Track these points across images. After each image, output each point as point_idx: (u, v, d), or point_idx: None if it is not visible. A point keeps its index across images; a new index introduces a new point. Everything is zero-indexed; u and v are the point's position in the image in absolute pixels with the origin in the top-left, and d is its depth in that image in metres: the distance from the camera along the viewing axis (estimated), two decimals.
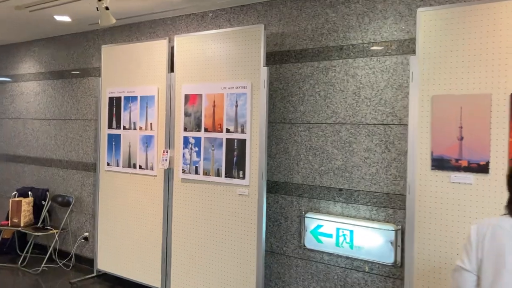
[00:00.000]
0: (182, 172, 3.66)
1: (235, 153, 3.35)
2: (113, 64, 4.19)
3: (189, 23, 4.03)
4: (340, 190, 3.21)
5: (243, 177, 3.31)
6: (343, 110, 3.20)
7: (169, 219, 3.75)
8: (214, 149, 3.47)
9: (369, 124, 3.10)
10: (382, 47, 3.06)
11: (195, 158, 3.58)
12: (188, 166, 3.62)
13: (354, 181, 3.16)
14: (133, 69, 4.03)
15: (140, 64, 3.99)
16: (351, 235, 3.10)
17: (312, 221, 3.27)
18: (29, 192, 5.06)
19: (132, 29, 4.48)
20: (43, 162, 5.33)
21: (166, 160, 3.73)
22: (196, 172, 3.57)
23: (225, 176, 3.41)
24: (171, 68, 3.86)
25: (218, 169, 3.45)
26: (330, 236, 3.19)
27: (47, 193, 5.13)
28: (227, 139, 3.40)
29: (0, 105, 5.91)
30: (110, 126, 4.19)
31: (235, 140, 3.35)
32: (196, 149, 3.58)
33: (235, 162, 3.35)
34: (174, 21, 4.15)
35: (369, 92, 3.10)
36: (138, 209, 3.96)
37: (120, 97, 4.12)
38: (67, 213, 4.85)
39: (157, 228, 3.82)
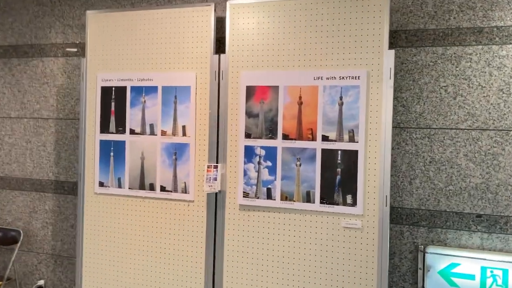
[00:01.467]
0: (243, 197, 2.55)
1: (339, 169, 2.38)
2: (109, 39, 2.86)
3: None
4: (479, 216, 2.44)
5: (353, 204, 2.36)
6: (484, 111, 2.43)
7: (217, 268, 2.61)
8: (300, 164, 2.45)
9: None
10: None
11: (266, 176, 2.51)
12: (254, 188, 2.53)
13: (501, 205, 2.41)
14: (147, 47, 2.78)
15: (160, 40, 2.75)
16: (505, 276, 2.35)
17: (440, 258, 2.45)
18: None
19: None
20: None
21: (215, 179, 2.58)
22: (269, 197, 2.50)
23: (322, 202, 2.41)
24: (219, 48, 2.72)
25: (307, 192, 2.44)
26: (471, 277, 2.40)
27: None
28: (324, 150, 2.41)
29: None
30: (104, 129, 2.86)
31: (339, 152, 2.38)
32: (269, 163, 2.51)
33: (338, 183, 2.38)
34: None
35: None
36: (157, 252, 2.74)
37: (123, 88, 2.82)
38: (14, 255, 3.32)
39: (195, 283, 2.65)
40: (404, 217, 2.56)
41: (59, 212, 3.36)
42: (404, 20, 2.57)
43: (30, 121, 3.44)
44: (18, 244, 3.32)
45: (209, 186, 2.59)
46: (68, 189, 3.33)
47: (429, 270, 2.49)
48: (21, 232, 3.35)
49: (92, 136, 2.90)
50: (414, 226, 2.57)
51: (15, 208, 3.49)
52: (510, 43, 2.40)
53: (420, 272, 2.54)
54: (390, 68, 2.31)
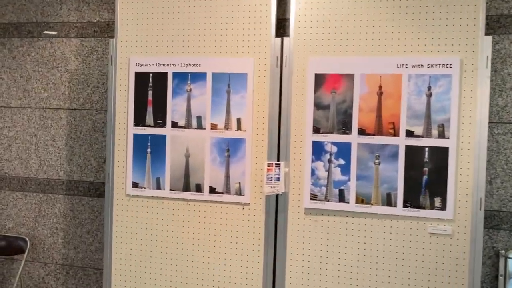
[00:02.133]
0: (311, 199, 2.26)
1: (426, 169, 2.12)
2: (145, 17, 2.48)
3: None
4: None
5: (442, 207, 2.11)
6: None
7: (278, 281, 2.31)
8: (379, 163, 2.17)
9: None
10: None
11: (339, 176, 2.22)
12: (324, 189, 2.24)
13: None
14: (194, 27, 2.41)
15: (210, 19, 2.40)
16: None
17: None
18: None
19: None
20: None
21: (277, 179, 2.27)
22: (342, 199, 2.22)
23: (405, 206, 2.15)
24: (281, 30, 2.40)
25: (388, 195, 2.17)
26: None
27: None
28: (408, 147, 2.15)
29: None
30: (139, 122, 2.48)
31: (426, 149, 2.13)
32: (341, 162, 2.22)
33: (425, 184, 2.13)
34: None
35: None
36: (204, 263, 2.40)
37: (163, 74, 2.45)
38: (20, 267, 2.87)
39: None
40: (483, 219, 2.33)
41: (71, 216, 2.93)
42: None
43: (35, 111, 2.99)
44: (25, 255, 2.87)
45: (271, 187, 2.27)
46: (83, 190, 2.91)
47: (511, 277, 2.28)
48: (28, 240, 2.90)
49: (124, 130, 2.51)
50: (494, 230, 2.35)
51: (16, 212, 3.03)
52: None
53: (501, 279, 2.33)
54: (487, 56, 2.07)
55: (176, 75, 2.44)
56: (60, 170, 2.95)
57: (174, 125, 2.44)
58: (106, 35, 2.87)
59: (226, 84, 2.37)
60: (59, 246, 2.97)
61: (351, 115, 2.22)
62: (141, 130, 2.49)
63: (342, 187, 2.23)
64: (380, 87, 2.18)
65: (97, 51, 2.88)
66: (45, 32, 2.92)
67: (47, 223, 2.99)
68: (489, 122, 2.34)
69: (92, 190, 2.90)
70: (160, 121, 2.46)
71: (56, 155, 2.96)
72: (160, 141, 2.46)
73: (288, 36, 2.31)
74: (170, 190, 2.45)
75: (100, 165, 2.89)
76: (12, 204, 3.06)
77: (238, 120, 2.36)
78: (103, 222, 2.88)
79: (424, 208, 2.14)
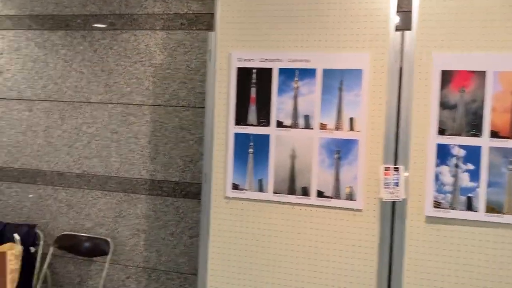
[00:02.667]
0: (434, 207, 2.08)
1: None
2: (248, 8, 2.33)
3: None
4: None
5: None
6: None
7: None
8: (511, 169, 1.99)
9: None
10: None
11: (466, 182, 2.04)
12: (449, 196, 2.07)
13: None
14: (302, 20, 2.25)
15: (321, 11, 2.23)
16: None
17: None
18: (14, 235, 2.79)
19: None
20: (16, 176, 3.06)
21: (396, 184, 2.10)
22: (470, 208, 2.04)
23: None
24: (403, 24, 2.23)
25: None
26: None
27: (37, 233, 2.92)
28: None
29: None
30: (241, 121, 2.33)
31: None
32: (471, 167, 2.04)
33: None
34: None
35: None
36: (310, 271, 2.25)
37: (267, 70, 2.30)
38: (105, 270, 2.76)
39: None
40: None
41: (154, 217, 2.81)
42: None
43: (116, 107, 2.87)
44: (108, 257, 2.76)
45: (390, 193, 2.10)
46: (167, 190, 2.79)
47: None
48: (110, 242, 2.78)
49: (223, 129, 2.37)
50: None
51: (95, 211, 2.92)
52: None
53: None
54: None
55: (282, 71, 2.28)
56: (143, 169, 2.83)
57: (279, 124, 2.29)
58: (194, 28, 2.73)
59: (338, 81, 2.21)
60: (141, 248, 2.85)
61: (482, 116, 2.03)
62: (243, 129, 2.34)
63: (470, 195, 2.05)
64: None
65: (185, 44, 2.74)
66: (94, 25, 2.79)
67: (128, 224, 2.87)
68: None
69: (177, 191, 2.78)
70: (263, 120, 2.31)
71: (138, 153, 2.84)
72: (263, 141, 2.32)
73: (409, 29, 2.13)
74: (274, 193, 2.30)
75: (187, 164, 2.76)
76: (91, 204, 2.95)
77: (351, 120, 2.20)
78: (188, 225, 2.76)
79: None
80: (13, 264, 2.64)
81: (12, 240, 2.81)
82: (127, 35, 2.87)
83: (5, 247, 2.73)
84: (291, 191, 2.28)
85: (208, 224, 2.40)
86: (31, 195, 3.04)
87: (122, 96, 2.88)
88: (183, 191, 2.78)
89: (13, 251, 2.67)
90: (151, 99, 2.83)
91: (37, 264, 2.88)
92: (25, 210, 3.10)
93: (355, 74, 2.19)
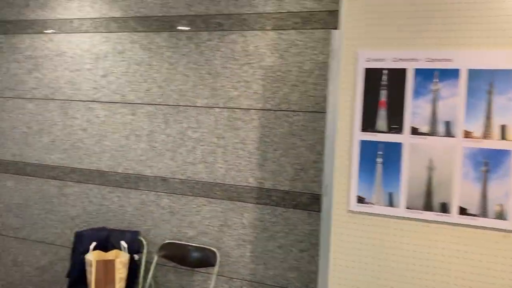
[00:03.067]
0: None
1: None
2: (376, 3, 2.09)
3: None
4: None
5: None
6: None
7: None
8: None
9: None
10: None
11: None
12: None
13: None
14: (444, 15, 1.99)
15: (465, 4, 1.96)
16: None
17: None
18: (121, 242, 2.72)
19: None
20: (118, 181, 3.00)
21: None
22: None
23: None
24: None
25: None
26: None
27: (141, 240, 2.85)
28: None
29: (9, 75, 3.39)
30: (368, 127, 2.10)
31: None
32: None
33: None
34: None
35: None
36: None
37: (400, 70, 2.06)
38: (212, 282, 2.63)
39: None
40: None
41: (262, 227, 2.65)
42: None
43: (223, 111, 2.74)
44: (216, 269, 2.63)
45: None
46: (276, 199, 2.61)
47: None
48: (217, 253, 2.65)
49: (347, 135, 2.15)
50: None
51: (199, 219, 2.80)
52: None
53: None
54: None
55: (419, 71, 2.04)
56: (250, 176, 2.68)
57: (414, 131, 2.04)
58: (308, 27, 2.55)
59: (487, 82, 1.93)
60: (247, 260, 2.70)
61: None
62: (371, 136, 2.12)
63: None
64: None
65: (297, 45, 2.56)
66: (178, 28, 2.65)
67: (233, 233, 2.73)
68: None
69: (287, 200, 2.60)
70: (395, 126, 2.07)
71: (245, 160, 2.69)
72: (394, 149, 2.08)
73: None
74: (407, 208, 2.06)
75: (297, 172, 2.57)
76: (195, 211, 2.84)
77: (502, 127, 1.91)
78: (298, 237, 2.57)
79: None
80: (121, 272, 2.57)
81: (117, 247, 2.75)
82: (235, 36, 2.74)
83: (112, 254, 2.68)
84: (428, 207, 2.03)
85: (328, 240, 2.20)
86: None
87: (229, 100, 2.75)
88: (293, 201, 2.60)
89: (121, 259, 2.61)
90: (260, 103, 2.67)
91: (141, 272, 2.81)
92: (127, 216, 3.05)
93: (508, 75, 1.90)
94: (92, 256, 2.64)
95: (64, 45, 3.25)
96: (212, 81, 2.81)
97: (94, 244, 2.72)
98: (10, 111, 3.44)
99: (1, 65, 3.47)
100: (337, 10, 2.49)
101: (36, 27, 3.33)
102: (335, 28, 2.10)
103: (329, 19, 2.47)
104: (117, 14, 3.07)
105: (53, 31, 3.27)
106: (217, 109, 2.80)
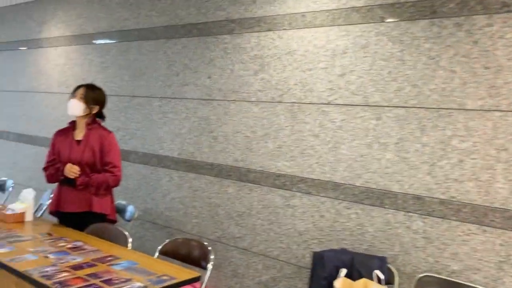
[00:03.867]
0: None
1: None
2: None
3: None
4: None
5: None
6: None
7: None
8: None
9: None
10: None
11: None
12: None
13: None
14: None
15: None
16: None
17: None
18: (376, 272, 2.26)
19: None
20: (357, 195, 2.53)
21: None
22: None
23: None
24: None
25: None
26: None
27: (390, 269, 2.34)
28: None
29: (233, 77, 3.17)
30: None
31: None
32: None
33: None
34: None
35: None
36: None
37: None
38: None
39: None
40: None
41: None
42: None
43: (507, 115, 2.09)
44: None
45: None
46: None
47: None
48: None
49: None
50: None
51: (467, 251, 2.22)
52: None
53: None
54: None
55: None
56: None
57: None
58: None
59: None
60: None
61: None
62: None
63: None
64: None
65: None
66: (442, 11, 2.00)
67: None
68: None
69: None
70: None
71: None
72: None
73: None
74: None
75: None
76: (460, 240, 2.26)
77: None
78: None
79: None
80: None
81: (364, 275, 2.33)
82: None
83: (361, 284, 2.25)
84: None
85: None
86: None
87: None
88: None
89: None
90: None
91: None
92: (367, 237, 2.61)
93: None
94: (340, 284, 2.25)
95: (295, 42, 2.95)
96: (491, 77, 2.20)
97: (344, 271, 2.33)
98: (233, 115, 3.28)
99: (226, 67, 3.33)
100: None
101: (263, 24, 3.10)
102: None
103: None
104: (360, 3, 2.65)
105: (283, 27, 2.99)
106: (497, 113, 2.19)
